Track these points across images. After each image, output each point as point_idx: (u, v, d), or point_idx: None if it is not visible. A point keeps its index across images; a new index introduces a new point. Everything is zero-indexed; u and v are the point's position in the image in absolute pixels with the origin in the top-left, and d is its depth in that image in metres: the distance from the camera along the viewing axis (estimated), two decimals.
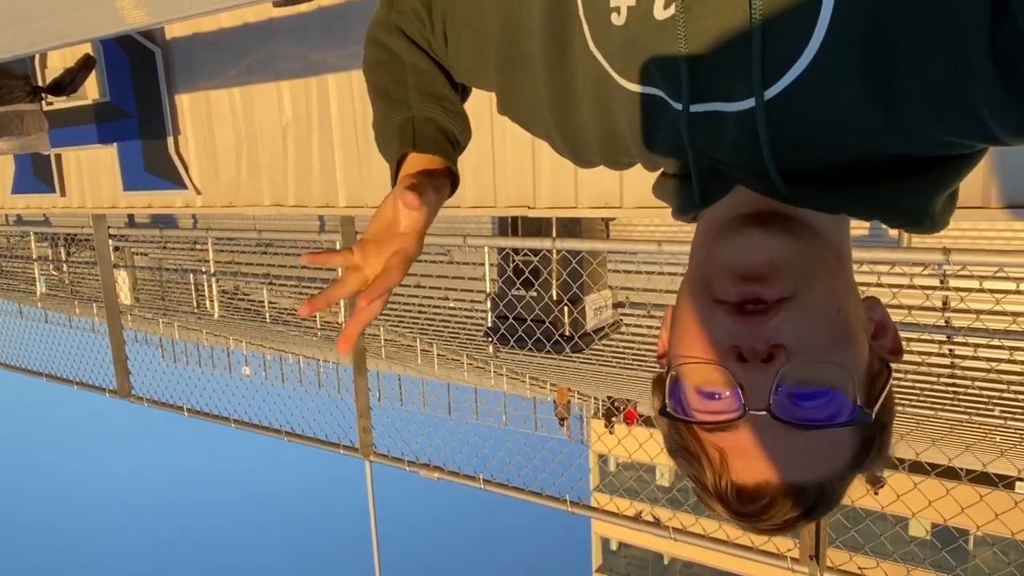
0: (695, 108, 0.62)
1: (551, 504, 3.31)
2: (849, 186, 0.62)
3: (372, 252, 0.76)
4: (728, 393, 0.59)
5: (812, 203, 0.63)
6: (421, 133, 0.81)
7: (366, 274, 0.76)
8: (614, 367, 6.83)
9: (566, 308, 4.87)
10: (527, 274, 4.66)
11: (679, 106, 0.62)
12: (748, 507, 0.62)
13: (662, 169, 0.75)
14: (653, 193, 0.78)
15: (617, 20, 0.63)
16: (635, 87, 0.65)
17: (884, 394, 0.63)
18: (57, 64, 5.08)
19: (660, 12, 0.60)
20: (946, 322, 4.84)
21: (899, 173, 0.61)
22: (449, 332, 8.18)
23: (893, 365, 0.68)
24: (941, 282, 4.84)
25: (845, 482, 0.65)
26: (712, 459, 0.63)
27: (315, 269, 8.36)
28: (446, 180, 0.82)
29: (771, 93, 0.57)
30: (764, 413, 0.58)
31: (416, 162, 0.81)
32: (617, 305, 5.62)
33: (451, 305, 7.69)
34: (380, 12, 0.87)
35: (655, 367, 0.75)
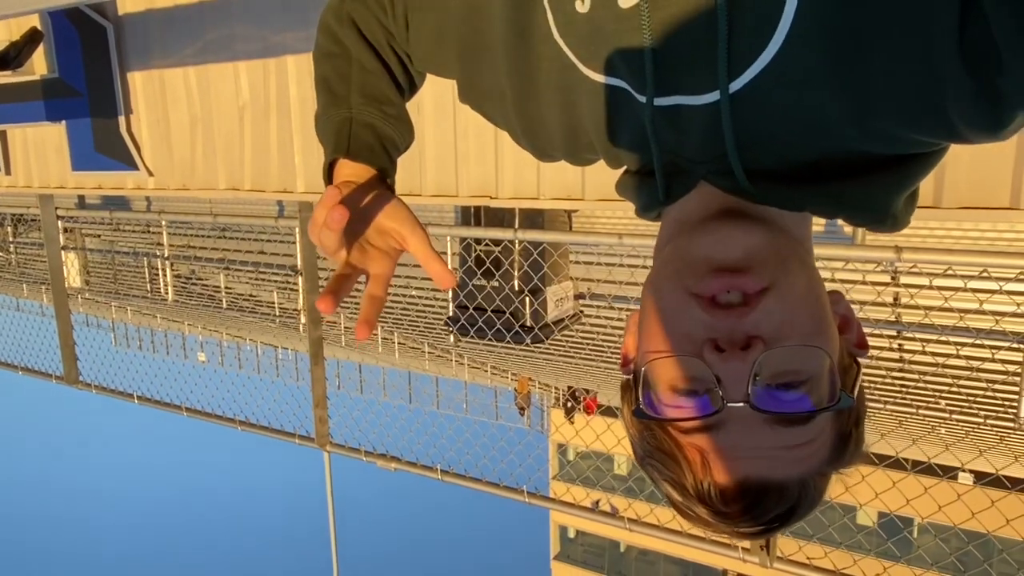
0: (659, 101, 0.61)
1: (509, 495, 3.31)
2: (813, 184, 0.62)
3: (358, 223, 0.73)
4: (705, 387, 0.58)
5: (776, 200, 0.63)
6: (357, 137, 0.78)
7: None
8: (574, 358, 6.87)
9: (527, 299, 4.87)
10: (488, 264, 4.64)
11: (643, 99, 0.61)
12: (731, 507, 0.61)
13: (625, 167, 0.74)
14: (616, 191, 0.77)
15: (581, 8, 0.62)
16: (599, 78, 0.64)
17: (856, 386, 0.63)
18: (2, 36, 4.88)
19: (625, 1, 0.58)
20: (896, 318, 4.96)
21: (863, 171, 0.61)
22: (410, 321, 8.13)
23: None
24: (892, 279, 4.96)
25: (825, 479, 0.64)
26: (691, 460, 0.61)
27: (272, 254, 8.21)
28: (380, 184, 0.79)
29: (736, 86, 0.57)
30: (743, 405, 0.56)
31: (349, 167, 0.77)
32: (578, 296, 5.64)
33: (413, 293, 7.64)
34: None
35: (615, 357, 0.74)
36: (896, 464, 2.89)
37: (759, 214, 0.63)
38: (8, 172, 5.64)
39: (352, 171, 0.77)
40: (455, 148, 3.73)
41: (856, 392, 0.62)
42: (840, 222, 0.69)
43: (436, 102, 3.69)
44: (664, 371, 0.60)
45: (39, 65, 4.95)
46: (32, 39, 4.33)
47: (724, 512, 0.61)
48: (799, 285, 0.60)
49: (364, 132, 0.79)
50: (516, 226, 4.12)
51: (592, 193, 3.37)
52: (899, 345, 5.30)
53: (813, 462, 0.62)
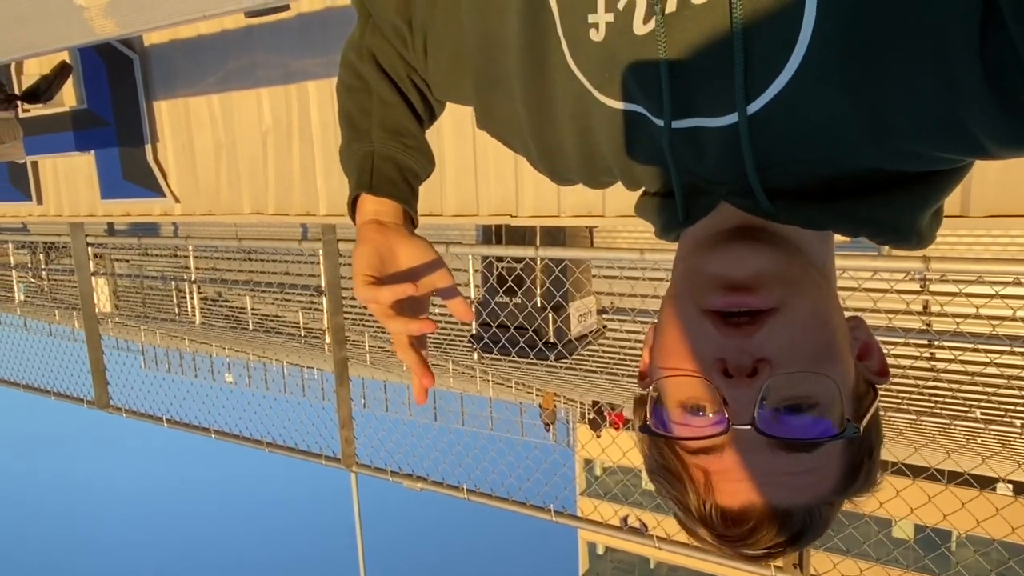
0: (677, 124, 0.60)
1: (535, 514, 3.29)
2: (834, 203, 0.61)
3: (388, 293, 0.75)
4: (712, 408, 0.58)
5: (797, 220, 0.62)
6: (379, 172, 0.81)
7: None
8: (598, 373, 6.84)
9: (550, 315, 4.86)
10: (510, 282, 4.64)
11: (661, 122, 0.61)
12: (732, 531, 0.60)
13: (643, 188, 0.74)
14: (635, 212, 0.77)
15: (596, 36, 0.62)
16: (615, 104, 0.64)
17: (870, 415, 0.62)
18: (33, 71, 5.01)
19: (640, 27, 0.59)
20: (927, 327, 4.88)
21: (885, 189, 0.60)
22: (433, 339, 8.14)
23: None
24: (921, 287, 4.87)
25: (833, 508, 0.63)
26: (696, 480, 0.61)
27: (297, 275, 8.30)
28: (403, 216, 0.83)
29: (754, 108, 0.56)
30: (748, 428, 0.56)
31: (372, 202, 0.81)
32: (601, 311, 5.62)
33: (435, 312, 7.64)
34: (356, 33, 0.87)
35: (639, 371, 0.74)
36: (932, 477, 2.83)
37: (776, 233, 0.62)
38: (40, 201, 5.77)
39: (375, 206, 0.80)
40: (475, 167, 3.75)
41: (867, 421, 0.61)
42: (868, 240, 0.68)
43: (455, 122, 3.72)
44: (674, 389, 0.61)
45: (68, 97, 5.08)
46: (62, 72, 4.45)
47: (725, 535, 0.61)
48: (808, 308, 0.59)
49: (386, 166, 0.81)
50: (537, 243, 4.12)
51: (612, 209, 3.36)
52: (931, 355, 5.21)
53: (819, 490, 0.61)
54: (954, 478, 2.88)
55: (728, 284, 0.59)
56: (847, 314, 0.67)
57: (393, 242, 0.78)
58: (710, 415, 0.59)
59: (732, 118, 0.58)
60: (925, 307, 5.00)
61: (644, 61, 0.59)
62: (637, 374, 0.74)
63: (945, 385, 5.10)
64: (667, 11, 0.57)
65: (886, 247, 0.70)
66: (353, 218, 0.83)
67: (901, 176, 0.60)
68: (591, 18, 0.62)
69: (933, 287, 4.77)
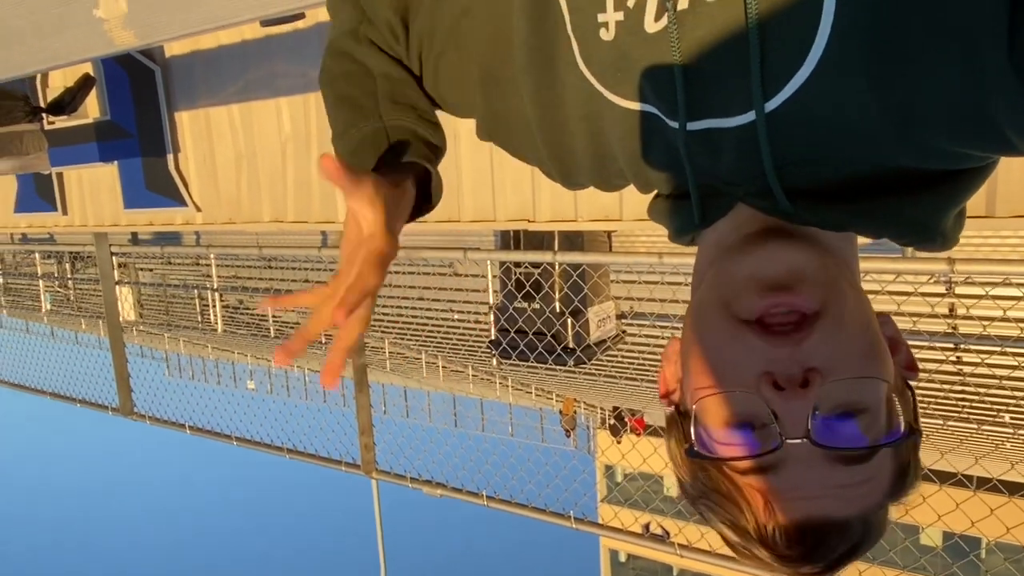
0: (692, 126, 0.59)
1: (556, 521, 3.27)
2: (856, 203, 0.59)
3: (344, 275, 0.65)
4: (762, 425, 0.55)
5: (818, 221, 0.60)
6: (395, 138, 0.75)
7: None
8: (618, 378, 6.80)
9: (568, 320, 4.84)
10: (528, 287, 4.64)
11: (675, 124, 0.59)
12: (794, 550, 0.58)
13: (655, 191, 0.73)
14: (649, 215, 0.75)
15: (606, 36, 0.61)
16: (627, 104, 0.63)
17: (915, 412, 0.60)
18: (58, 84, 5.10)
19: (651, 25, 0.57)
20: (953, 330, 4.80)
21: (909, 188, 0.59)
22: (453, 344, 8.16)
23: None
24: (947, 290, 4.80)
25: (885, 512, 0.61)
26: (751, 501, 0.58)
27: (317, 283, 8.35)
28: (410, 184, 0.73)
29: (771, 106, 0.55)
30: (803, 441, 0.54)
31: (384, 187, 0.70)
32: (620, 316, 5.59)
33: (456, 317, 7.68)
34: (346, 22, 0.81)
35: (659, 376, 0.71)
36: (960, 483, 2.77)
37: (803, 234, 0.60)
38: (65, 212, 5.87)
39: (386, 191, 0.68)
40: (492, 173, 3.75)
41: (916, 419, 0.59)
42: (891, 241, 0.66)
43: (471, 128, 3.72)
44: (717, 408, 0.57)
45: (92, 109, 5.16)
46: (85, 84, 4.53)
47: (786, 555, 0.58)
48: (851, 309, 0.57)
49: (401, 135, 0.76)
50: (555, 248, 4.12)
51: (630, 213, 3.35)
52: (957, 358, 5.12)
53: (875, 497, 0.59)
54: (983, 484, 2.82)
55: (766, 284, 0.56)
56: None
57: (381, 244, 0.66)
58: (759, 431, 0.56)
59: (748, 117, 0.56)
60: (951, 310, 4.92)
61: (656, 61, 0.58)
62: (659, 391, 0.71)
63: (972, 389, 5.01)
64: (679, 8, 0.55)
65: (910, 248, 0.67)
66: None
67: (925, 175, 0.58)
68: (600, 17, 0.60)
69: (959, 290, 4.70)
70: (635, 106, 0.63)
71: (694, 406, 0.59)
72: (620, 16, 0.59)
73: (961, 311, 4.64)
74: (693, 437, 0.59)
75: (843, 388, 0.54)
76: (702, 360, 0.59)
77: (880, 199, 0.59)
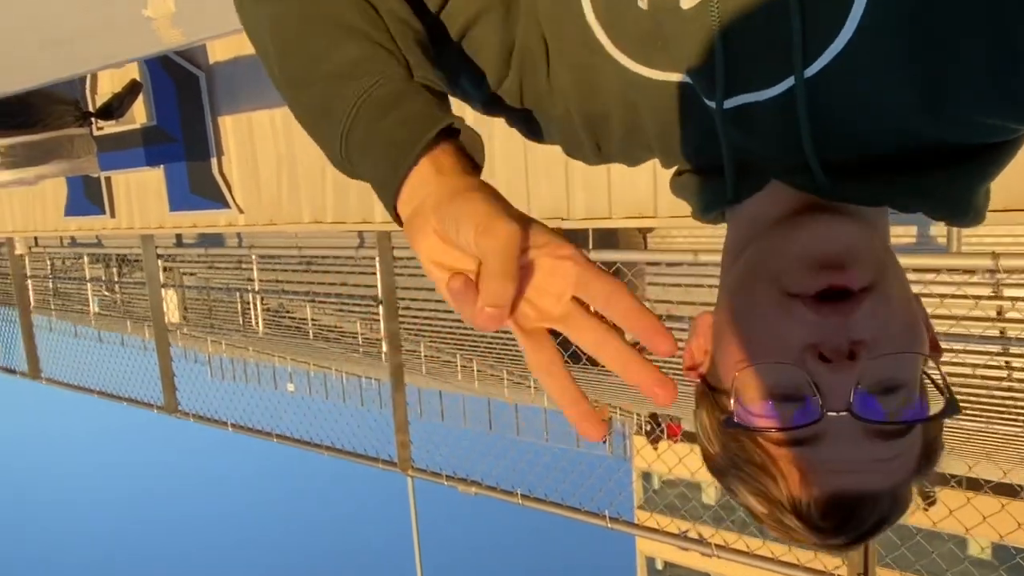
0: (729, 103, 0.59)
1: (589, 519, 3.27)
2: (891, 177, 0.59)
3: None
4: (803, 396, 0.55)
5: (855, 196, 0.60)
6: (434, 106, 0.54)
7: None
8: None
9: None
10: None
11: (712, 101, 0.59)
12: (826, 522, 0.58)
13: (676, 166, 0.72)
14: (672, 190, 0.74)
15: (640, 9, 0.60)
16: (661, 76, 0.62)
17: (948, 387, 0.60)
18: (106, 89, 5.27)
19: (687, 1, 0.57)
20: (1001, 332, 4.66)
21: (942, 162, 0.58)
22: (487, 345, 8.19)
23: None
24: (994, 291, 4.67)
25: (910, 488, 0.62)
26: (786, 473, 0.58)
27: (354, 285, 8.46)
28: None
29: (809, 72, 0.55)
30: (844, 414, 0.54)
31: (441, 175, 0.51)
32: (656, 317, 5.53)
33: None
34: None
35: (688, 364, 0.71)
36: (1006, 487, 2.70)
37: (847, 211, 0.60)
38: (113, 215, 6.05)
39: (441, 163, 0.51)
40: (526, 170, 3.77)
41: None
42: (932, 230, 0.65)
43: (506, 129, 3.74)
44: (760, 379, 0.58)
45: (139, 114, 5.32)
46: (132, 90, 4.67)
47: (820, 527, 0.59)
48: (896, 286, 0.58)
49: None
50: (590, 246, 4.11)
51: (665, 210, 3.33)
52: (1007, 363, 4.97)
53: (905, 472, 0.60)
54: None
55: (822, 262, 0.56)
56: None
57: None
58: (799, 404, 0.56)
59: (786, 85, 0.56)
60: (999, 312, 4.79)
61: (694, 36, 0.58)
62: (684, 366, 0.71)
63: (1021, 393, 4.86)
64: None
65: (954, 243, 0.67)
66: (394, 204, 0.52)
67: (958, 149, 0.58)
68: None
69: (1007, 292, 4.57)
70: (670, 77, 0.62)
71: (735, 376, 0.58)
72: None
73: (1008, 311, 4.51)
74: (734, 407, 0.59)
75: (887, 363, 0.55)
76: (745, 332, 0.59)
77: (914, 173, 0.59)
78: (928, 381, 0.60)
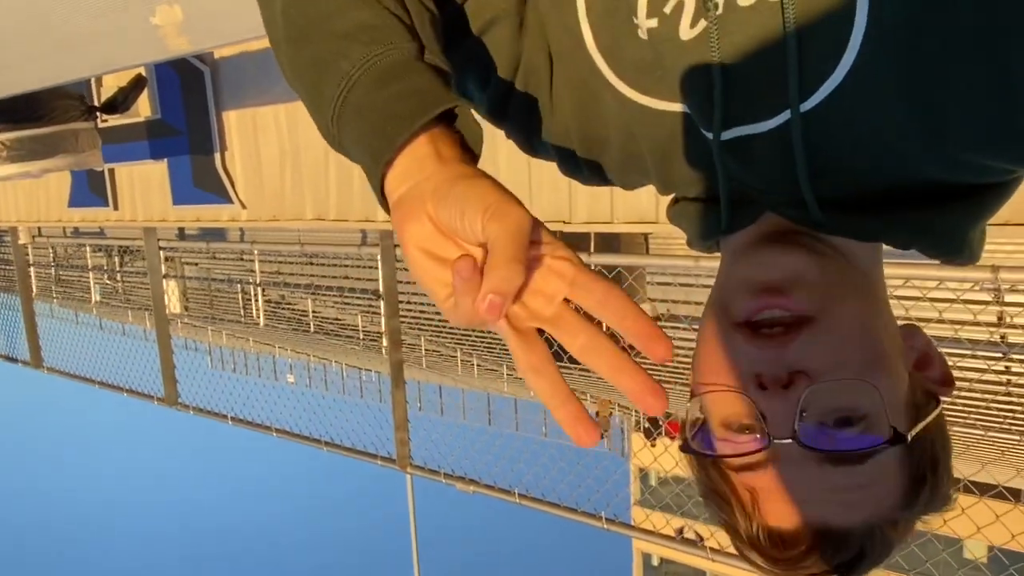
0: (727, 135, 0.59)
1: (587, 520, 3.29)
2: (886, 214, 0.59)
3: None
4: (753, 425, 0.56)
5: (849, 231, 0.60)
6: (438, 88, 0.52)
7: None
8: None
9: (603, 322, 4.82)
10: None
11: (709, 132, 0.59)
12: (785, 553, 0.58)
13: (673, 194, 0.72)
14: (668, 218, 0.75)
15: (639, 41, 0.60)
16: (661, 106, 0.63)
17: (925, 423, 0.59)
18: (111, 84, 5.28)
19: (686, 32, 0.57)
20: (1002, 339, 4.67)
21: (938, 201, 0.58)
22: (488, 342, 8.20)
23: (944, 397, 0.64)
24: (996, 299, 4.67)
25: (898, 528, 0.60)
26: (743, 501, 0.59)
27: (356, 279, 8.48)
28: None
29: (806, 107, 0.55)
30: (790, 442, 0.54)
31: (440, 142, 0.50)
32: (656, 319, 5.55)
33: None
34: None
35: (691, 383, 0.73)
36: (1001, 495, 2.71)
37: (818, 238, 0.61)
38: (116, 207, 6.06)
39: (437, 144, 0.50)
40: (529, 173, 3.78)
41: (920, 430, 0.59)
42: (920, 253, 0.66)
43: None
44: (715, 406, 0.59)
45: (144, 108, 5.32)
46: (137, 84, 4.67)
47: (775, 558, 0.58)
48: (849, 315, 0.57)
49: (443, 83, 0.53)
50: (591, 249, 4.12)
51: (666, 216, 3.34)
52: (1006, 367, 4.98)
53: (879, 508, 0.58)
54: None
55: (757, 287, 0.57)
56: (901, 322, 0.65)
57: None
58: (751, 432, 0.57)
59: (783, 118, 0.56)
60: (999, 318, 4.79)
61: (693, 67, 0.58)
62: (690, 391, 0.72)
63: (1017, 400, 4.87)
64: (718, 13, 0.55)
65: None
66: (381, 178, 0.51)
67: (956, 187, 0.58)
68: (633, 21, 0.60)
69: (1007, 297, 4.57)
70: (669, 107, 0.62)
71: (696, 401, 0.60)
72: (654, 23, 0.59)
73: (1008, 320, 4.52)
74: (690, 434, 0.60)
75: (831, 390, 0.55)
76: (701, 359, 0.61)
77: (910, 211, 0.59)
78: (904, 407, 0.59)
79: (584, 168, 0.73)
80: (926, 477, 0.60)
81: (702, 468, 0.63)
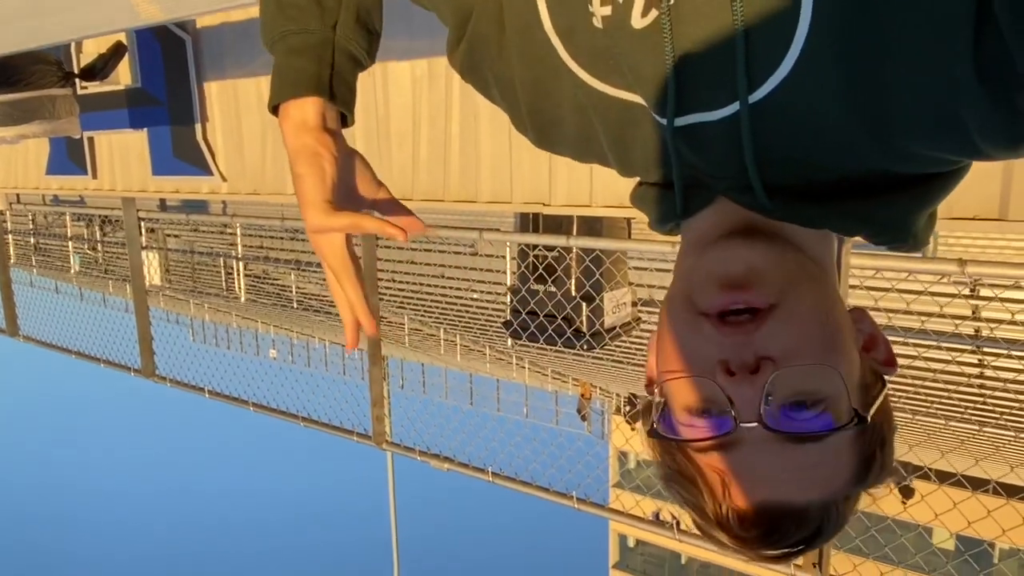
0: (679, 121, 0.61)
1: (558, 500, 3.32)
2: (833, 202, 0.61)
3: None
4: (719, 408, 0.58)
5: (796, 218, 0.62)
6: (341, 75, 0.73)
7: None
8: (626, 365, 6.81)
9: (582, 305, 4.87)
10: (542, 270, 4.66)
11: (663, 119, 0.61)
12: (750, 532, 0.60)
13: (638, 178, 0.74)
14: (631, 202, 0.77)
15: (594, 27, 0.62)
16: (615, 93, 0.64)
17: (878, 404, 0.62)
18: (91, 50, 5.19)
19: (638, 21, 0.58)
20: (976, 332, 4.74)
21: (885, 190, 0.60)
22: (470, 323, 8.22)
23: (890, 377, 0.67)
24: (972, 291, 4.74)
25: (849, 503, 0.63)
26: (711, 483, 0.61)
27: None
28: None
29: (755, 98, 0.56)
30: (756, 425, 0.57)
31: (304, 109, 0.71)
32: (635, 303, 5.60)
33: (475, 296, 7.73)
34: None
35: (647, 378, 0.74)
36: (959, 483, 2.78)
37: (774, 231, 0.63)
38: (95, 176, 5.99)
39: (319, 108, 0.72)
40: (510, 155, 3.77)
41: (875, 411, 0.61)
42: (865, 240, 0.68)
43: (492, 110, 3.74)
44: (679, 392, 0.61)
45: (123, 75, 5.25)
46: (117, 52, 4.61)
47: (743, 537, 0.61)
48: (807, 302, 0.59)
49: (347, 66, 0.74)
50: (573, 233, 4.14)
51: (629, 200, 3.35)
52: (979, 360, 5.06)
53: (835, 484, 0.61)
54: (980, 485, 2.82)
55: (724, 282, 0.59)
56: (848, 306, 0.67)
57: (354, 160, 0.73)
58: (718, 416, 0.59)
59: (732, 109, 0.58)
60: (974, 312, 4.86)
61: (646, 56, 0.59)
62: (645, 383, 0.72)
63: (976, 391, 4.96)
64: (670, 2, 0.57)
65: (928, 249, 0.69)
66: (275, 108, 0.74)
67: (901, 177, 0.60)
68: (589, 9, 0.61)
69: (979, 291, 4.64)
70: (623, 94, 0.64)
71: (660, 389, 0.62)
72: (607, 11, 0.60)
73: (970, 313, 4.59)
74: (656, 419, 0.62)
75: (795, 375, 0.57)
76: (667, 347, 0.62)
77: (855, 200, 0.61)
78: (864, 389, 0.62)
79: (531, 135, 0.76)
80: (875, 454, 0.63)
81: (667, 452, 0.65)
